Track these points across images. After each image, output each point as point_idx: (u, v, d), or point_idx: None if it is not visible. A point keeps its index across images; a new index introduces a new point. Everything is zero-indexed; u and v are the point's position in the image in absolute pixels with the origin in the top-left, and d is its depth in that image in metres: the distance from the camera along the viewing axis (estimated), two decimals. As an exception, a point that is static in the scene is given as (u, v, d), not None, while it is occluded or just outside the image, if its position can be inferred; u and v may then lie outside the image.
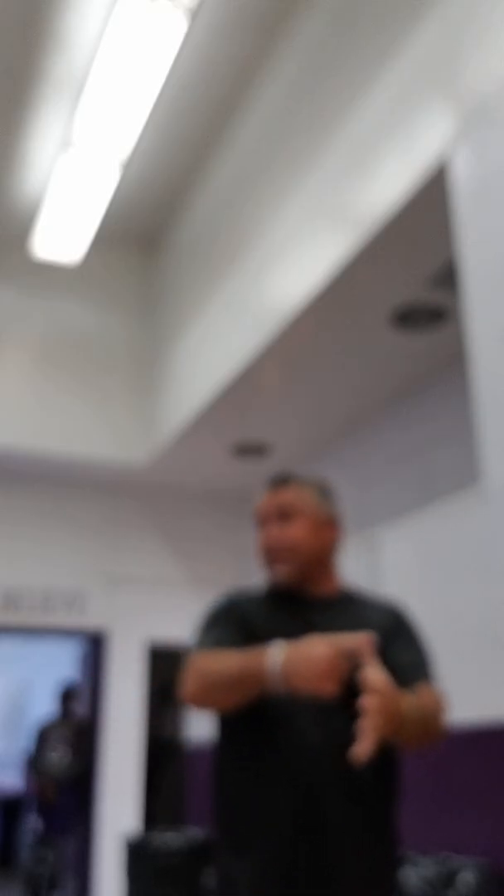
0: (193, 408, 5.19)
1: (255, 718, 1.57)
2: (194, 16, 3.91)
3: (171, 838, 3.93)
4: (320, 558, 1.77)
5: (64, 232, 5.27)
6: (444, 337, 4.21)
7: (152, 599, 6.29)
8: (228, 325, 4.93)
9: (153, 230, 6.14)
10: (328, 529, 1.78)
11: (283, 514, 1.76)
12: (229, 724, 1.65)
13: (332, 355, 4.54)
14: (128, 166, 4.95)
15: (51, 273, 6.02)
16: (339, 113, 3.92)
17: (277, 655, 1.47)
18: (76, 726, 6.35)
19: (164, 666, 6.18)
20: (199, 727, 4.45)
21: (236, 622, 1.69)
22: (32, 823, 6.57)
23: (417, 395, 4.83)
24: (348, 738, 1.34)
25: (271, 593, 1.79)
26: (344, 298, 3.97)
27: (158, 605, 6.26)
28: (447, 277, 3.73)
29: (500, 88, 2.87)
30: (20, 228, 5.68)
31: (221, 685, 1.54)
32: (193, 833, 4.08)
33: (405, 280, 3.83)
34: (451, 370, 4.31)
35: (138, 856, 3.94)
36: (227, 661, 1.55)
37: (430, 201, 3.26)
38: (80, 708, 6.47)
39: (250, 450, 5.77)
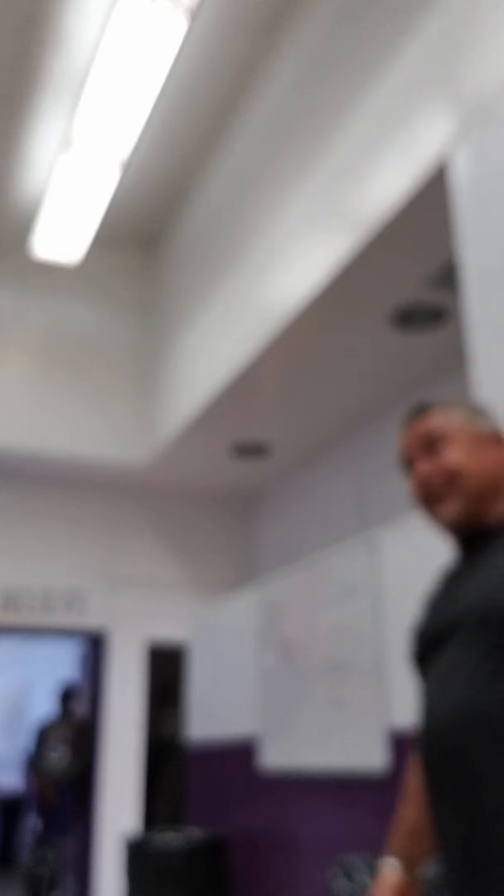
0: (193, 408, 5.19)
1: None
2: (194, 16, 3.91)
3: (171, 838, 3.93)
4: (494, 481, 1.35)
5: (64, 232, 5.27)
6: (444, 337, 4.21)
7: (152, 600, 6.29)
8: (228, 325, 4.93)
9: (153, 230, 6.14)
10: (493, 446, 1.39)
11: (431, 443, 1.39)
12: None
13: (332, 355, 4.54)
14: (128, 166, 4.95)
15: (51, 273, 6.02)
16: (339, 113, 3.92)
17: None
18: (76, 726, 6.35)
19: (164, 666, 6.18)
20: (200, 727, 4.45)
21: (414, 633, 1.41)
22: (32, 823, 6.57)
23: (417, 395, 4.83)
24: None
25: (456, 552, 1.42)
26: (344, 298, 3.97)
27: (158, 605, 6.26)
28: (447, 277, 3.73)
29: (500, 88, 2.87)
30: (20, 228, 5.68)
31: None
32: (193, 833, 4.08)
33: (405, 280, 3.83)
34: (451, 370, 4.31)
35: (138, 856, 3.93)
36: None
37: (430, 201, 3.26)
38: (80, 708, 6.47)
39: (250, 450, 5.77)
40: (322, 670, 3.41)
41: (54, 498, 6.31)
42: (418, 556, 3.02)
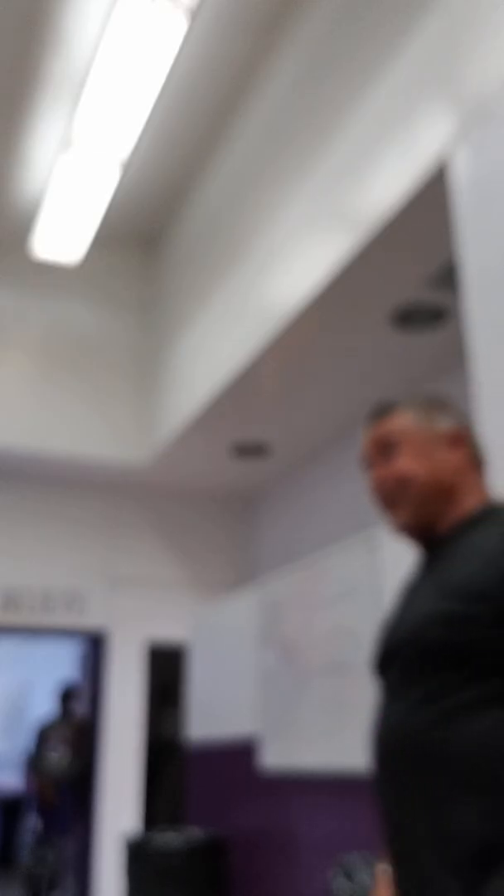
0: (193, 408, 5.19)
1: None
2: (194, 16, 3.91)
3: (171, 838, 3.93)
4: (446, 486, 1.36)
5: (64, 232, 5.27)
6: (444, 337, 4.21)
7: (152, 600, 6.29)
8: (228, 325, 4.93)
9: (153, 230, 6.14)
10: (446, 447, 1.38)
11: (387, 447, 1.40)
12: None
13: (332, 355, 4.54)
14: (128, 166, 4.95)
15: (51, 273, 6.02)
16: (340, 113, 3.92)
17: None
18: (76, 726, 6.35)
19: (164, 666, 6.18)
20: (200, 727, 4.45)
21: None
22: (32, 823, 6.57)
23: (417, 395, 4.82)
24: None
25: (417, 558, 1.43)
26: (344, 298, 3.97)
27: (158, 605, 6.26)
28: (447, 277, 3.73)
29: (500, 88, 2.87)
30: (20, 228, 5.69)
31: None
32: (193, 833, 4.08)
33: (405, 280, 3.83)
34: (451, 370, 4.31)
35: (138, 856, 3.94)
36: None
37: (430, 201, 3.26)
38: (80, 708, 6.47)
39: (250, 450, 5.77)
40: (322, 670, 3.41)
41: (54, 498, 6.31)
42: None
